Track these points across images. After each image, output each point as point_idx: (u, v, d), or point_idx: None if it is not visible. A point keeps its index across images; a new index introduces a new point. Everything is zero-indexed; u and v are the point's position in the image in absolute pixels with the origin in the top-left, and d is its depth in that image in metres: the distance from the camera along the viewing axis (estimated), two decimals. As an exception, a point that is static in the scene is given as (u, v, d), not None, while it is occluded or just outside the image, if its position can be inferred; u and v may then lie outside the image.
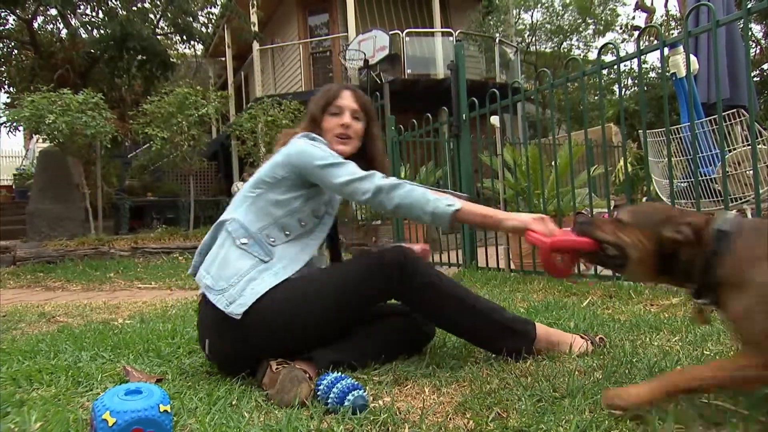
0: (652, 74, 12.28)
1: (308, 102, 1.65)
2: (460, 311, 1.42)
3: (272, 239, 1.41)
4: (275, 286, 1.34)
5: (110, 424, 0.91)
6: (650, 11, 15.49)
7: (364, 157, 1.57)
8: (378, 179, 1.39)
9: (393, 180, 1.39)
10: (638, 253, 1.04)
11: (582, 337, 1.52)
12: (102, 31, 8.52)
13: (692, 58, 3.41)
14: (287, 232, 1.43)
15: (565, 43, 15.87)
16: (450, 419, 1.06)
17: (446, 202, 1.34)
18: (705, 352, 1.45)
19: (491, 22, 12.19)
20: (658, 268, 1.04)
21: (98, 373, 1.44)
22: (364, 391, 1.13)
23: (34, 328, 2.36)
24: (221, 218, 1.48)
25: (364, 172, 1.40)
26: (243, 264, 1.36)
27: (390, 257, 1.39)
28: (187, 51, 11.61)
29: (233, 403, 1.18)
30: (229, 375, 1.37)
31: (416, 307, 1.47)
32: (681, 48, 3.31)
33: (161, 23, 9.41)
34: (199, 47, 11.85)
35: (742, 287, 0.94)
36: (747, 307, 0.92)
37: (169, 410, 0.98)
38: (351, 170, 1.40)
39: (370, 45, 8.89)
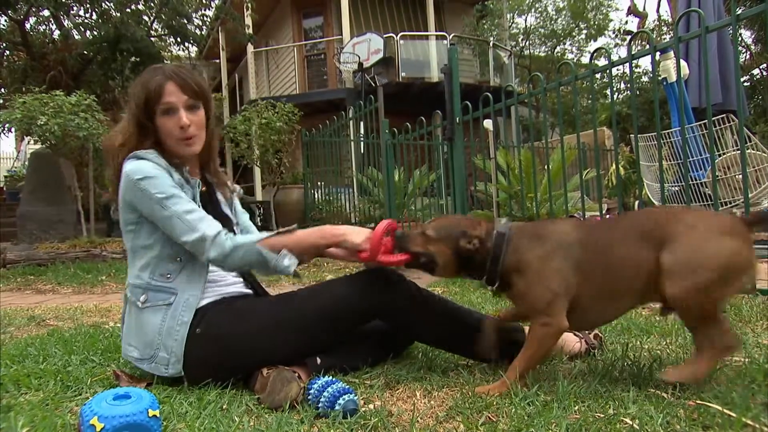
0: (644, 78, 12.37)
1: (128, 99, 1.41)
2: (447, 332, 1.42)
3: (168, 275, 1.34)
4: (204, 316, 1.29)
5: (98, 430, 0.90)
6: (642, 16, 15.62)
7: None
8: (208, 248, 1.27)
9: (223, 247, 1.28)
10: (443, 260, 1.31)
11: (575, 335, 1.51)
12: (95, 33, 8.48)
13: (682, 63, 3.45)
14: (177, 258, 1.35)
15: (558, 47, 15.96)
16: (441, 423, 1.06)
17: (284, 260, 1.27)
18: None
19: (485, 26, 12.25)
20: (458, 268, 1.32)
21: (87, 378, 1.42)
22: (355, 395, 1.13)
23: (23, 332, 2.33)
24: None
25: (198, 230, 1.27)
26: (154, 320, 1.31)
27: (374, 282, 1.35)
28: (181, 53, 11.54)
29: (223, 407, 1.18)
30: (224, 378, 1.36)
31: (401, 329, 1.45)
32: (671, 53, 3.35)
33: (155, 25, 9.37)
34: (194, 49, 11.80)
35: (520, 271, 1.26)
36: (525, 285, 1.26)
37: (158, 415, 0.97)
38: (184, 222, 1.27)
39: (364, 48, 8.91)
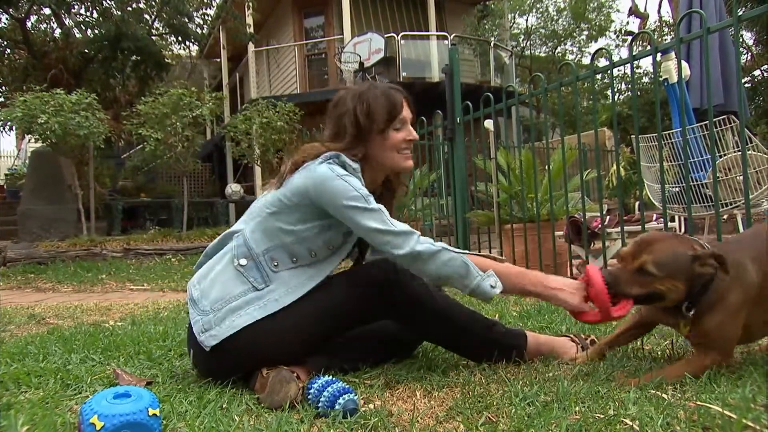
0: (645, 79, 12.37)
1: (334, 109, 1.41)
2: (449, 329, 1.41)
3: (275, 263, 1.32)
4: (256, 321, 1.26)
5: (98, 428, 0.90)
6: (644, 17, 15.61)
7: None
8: (415, 242, 1.28)
9: (431, 246, 1.28)
10: (677, 296, 1.17)
11: (573, 340, 1.52)
12: (96, 31, 8.48)
13: (683, 63, 3.44)
14: (294, 259, 1.33)
15: (559, 48, 15.97)
16: (441, 423, 1.06)
17: (489, 281, 1.28)
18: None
19: (486, 26, 12.25)
20: (687, 297, 1.18)
21: (87, 376, 1.43)
22: (355, 395, 1.13)
23: (23, 330, 2.33)
24: (233, 228, 1.41)
25: (401, 226, 1.29)
26: (233, 288, 1.29)
27: (373, 276, 1.34)
28: (182, 52, 11.55)
29: (223, 406, 1.18)
30: (219, 378, 1.36)
31: (404, 324, 1.45)
32: (673, 54, 3.34)
33: (156, 24, 9.37)
34: (194, 48, 11.82)
35: (719, 307, 1.15)
36: (716, 321, 1.17)
37: (158, 414, 0.97)
38: (383, 218, 1.29)
39: (365, 48, 8.91)
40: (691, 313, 1.19)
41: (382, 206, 1.32)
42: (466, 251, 1.34)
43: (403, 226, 1.31)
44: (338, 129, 1.40)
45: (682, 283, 1.15)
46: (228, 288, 1.30)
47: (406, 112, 1.43)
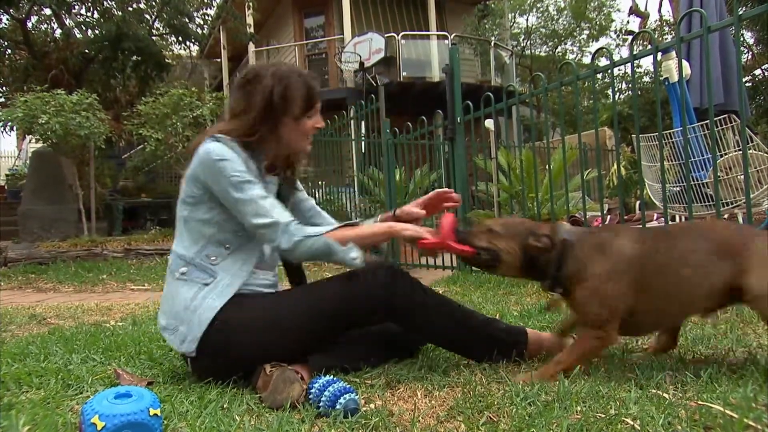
0: (646, 79, 12.36)
1: (247, 83, 1.39)
2: (449, 329, 1.42)
3: (213, 258, 1.35)
4: (228, 308, 1.30)
5: (99, 428, 0.90)
6: (644, 16, 15.59)
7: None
8: (280, 235, 1.30)
9: (293, 236, 1.30)
10: (509, 257, 1.31)
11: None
12: (97, 32, 8.48)
13: (684, 63, 3.44)
14: (227, 246, 1.37)
15: (559, 47, 15.96)
16: (442, 423, 1.06)
17: (350, 254, 1.32)
18: (696, 354, 1.46)
19: (487, 26, 12.23)
20: (521, 267, 1.32)
21: (89, 376, 1.43)
22: (356, 395, 1.13)
23: (24, 330, 2.34)
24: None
25: (271, 215, 1.30)
26: (187, 294, 1.33)
27: (376, 279, 1.36)
28: (182, 52, 11.55)
29: (224, 406, 1.18)
30: (220, 379, 1.36)
31: (404, 327, 1.45)
32: (673, 53, 3.34)
33: (157, 24, 9.37)
34: (195, 48, 11.82)
35: (580, 283, 1.27)
36: (583, 298, 1.27)
37: (159, 414, 0.97)
38: (256, 209, 1.30)
39: (365, 47, 8.92)
40: (554, 292, 1.32)
41: (257, 192, 1.32)
42: (329, 227, 1.38)
43: (275, 215, 1.31)
44: (246, 104, 1.39)
45: (517, 247, 1.30)
46: (181, 296, 1.34)
47: (319, 101, 1.46)
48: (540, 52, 15.95)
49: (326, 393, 1.12)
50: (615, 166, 6.11)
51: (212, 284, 1.33)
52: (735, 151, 3.24)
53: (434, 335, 1.46)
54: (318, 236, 1.32)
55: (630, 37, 16.17)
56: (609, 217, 3.20)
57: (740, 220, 3.09)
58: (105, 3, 8.53)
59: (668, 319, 1.36)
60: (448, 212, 1.42)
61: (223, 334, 1.30)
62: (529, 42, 15.68)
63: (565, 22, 15.51)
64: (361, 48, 8.91)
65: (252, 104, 1.38)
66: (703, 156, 3.28)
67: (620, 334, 1.34)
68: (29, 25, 9.07)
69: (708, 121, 2.46)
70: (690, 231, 1.35)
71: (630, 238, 1.30)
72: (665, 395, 1.12)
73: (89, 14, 8.95)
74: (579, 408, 1.06)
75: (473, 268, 1.44)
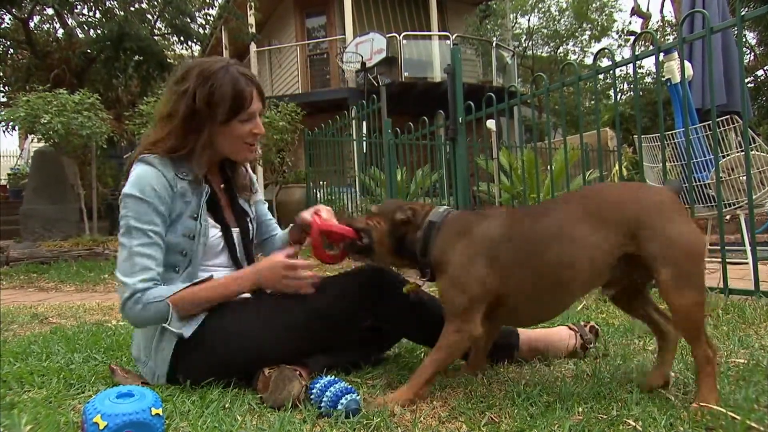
0: (648, 79, 12.35)
1: (175, 84, 1.30)
2: (438, 330, 1.39)
3: (167, 283, 1.30)
4: (249, 324, 1.28)
5: (101, 428, 0.90)
6: (646, 17, 15.58)
7: None
8: (133, 303, 1.23)
9: (139, 305, 1.24)
10: (378, 235, 1.27)
11: (571, 329, 1.50)
12: (99, 31, 8.49)
13: (686, 64, 3.43)
14: (176, 268, 1.31)
15: (561, 48, 15.96)
16: (443, 423, 1.06)
17: (173, 326, 1.25)
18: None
19: (488, 26, 12.24)
20: (393, 248, 1.27)
21: (90, 376, 1.43)
22: (358, 395, 1.13)
23: (26, 330, 2.34)
24: None
25: (132, 278, 1.23)
26: (147, 330, 1.31)
27: (365, 280, 1.34)
28: (184, 52, 11.57)
29: (226, 406, 1.18)
30: (222, 379, 1.36)
31: (395, 327, 1.44)
32: (675, 54, 3.33)
33: (159, 24, 9.39)
34: (197, 48, 11.84)
35: (440, 268, 1.19)
36: (443, 284, 1.19)
37: (161, 413, 0.97)
38: (123, 264, 1.25)
39: (367, 47, 8.92)
40: (424, 278, 1.25)
41: (137, 245, 1.24)
42: (180, 285, 1.27)
43: (134, 280, 1.23)
44: (172, 109, 1.30)
45: (385, 222, 1.26)
46: (144, 334, 1.32)
47: (256, 105, 1.33)
48: (542, 52, 15.95)
49: (328, 393, 1.12)
50: (617, 167, 6.10)
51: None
52: (737, 152, 3.23)
53: (423, 337, 1.44)
54: (163, 303, 1.24)
55: (632, 38, 16.17)
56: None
57: (742, 221, 3.08)
58: (107, 3, 8.55)
59: (550, 303, 1.18)
60: (316, 222, 1.33)
61: (201, 345, 1.27)
62: (530, 42, 15.68)
63: (566, 23, 15.50)
64: (363, 48, 8.91)
65: (176, 110, 1.29)
66: (705, 157, 3.27)
67: (501, 323, 1.28)
68: (32, 24, 9.09)
69: (710, 121, 2.45)
70: (568, 200, 1.19)
71: (499, 218, 1.19)
72: (667, 396, 1.12)
73: (91, 14, 8.96)
74: (581, 409, 1.06)
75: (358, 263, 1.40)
